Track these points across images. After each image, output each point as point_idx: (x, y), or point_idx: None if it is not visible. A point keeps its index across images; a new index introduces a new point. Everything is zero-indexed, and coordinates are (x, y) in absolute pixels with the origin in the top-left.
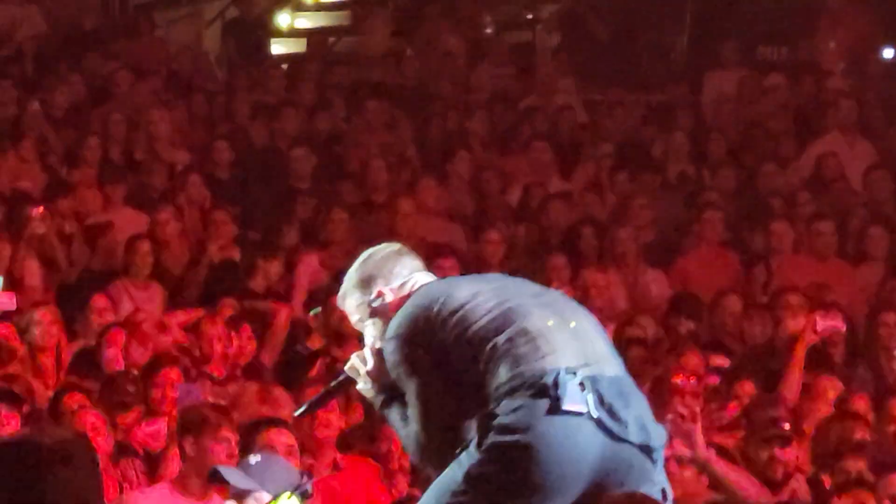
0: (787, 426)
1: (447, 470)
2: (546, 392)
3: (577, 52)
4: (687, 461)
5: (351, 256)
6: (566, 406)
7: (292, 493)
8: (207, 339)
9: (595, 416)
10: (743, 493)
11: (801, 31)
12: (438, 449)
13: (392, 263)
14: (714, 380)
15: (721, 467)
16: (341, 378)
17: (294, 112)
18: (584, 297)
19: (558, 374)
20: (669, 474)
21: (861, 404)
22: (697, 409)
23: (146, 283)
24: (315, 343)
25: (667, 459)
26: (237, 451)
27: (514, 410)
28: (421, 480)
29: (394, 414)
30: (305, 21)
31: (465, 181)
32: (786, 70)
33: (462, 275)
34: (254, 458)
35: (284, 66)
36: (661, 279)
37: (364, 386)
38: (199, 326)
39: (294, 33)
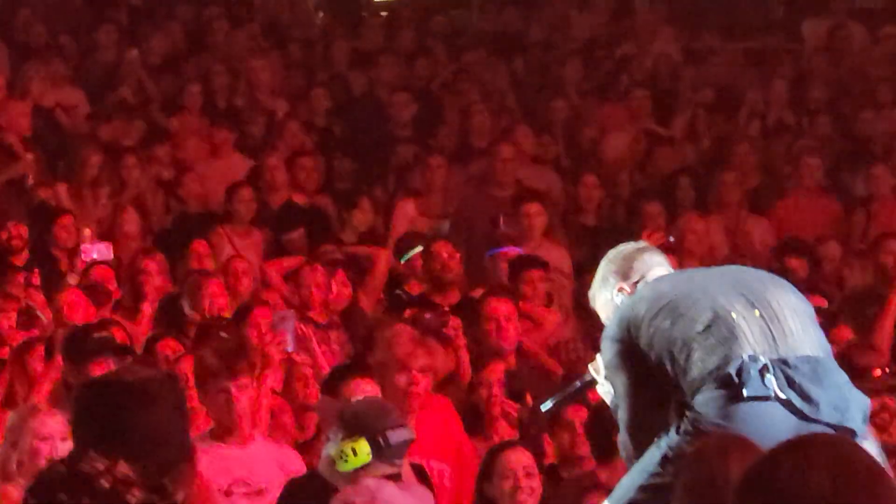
0: (878, 372)
1: (647, 452)
2: (730, 381)
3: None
4: None
5: (448, 203)
6: (750, 392)
7: (367, 438)
8: (307, 286)
9: (783, 398)
10: None
11: None
12: (642, 448)
13: (632, 260)
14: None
15: None
16: (586, 379)
17: (392, 60)
18: (680, 244)
19: (742, 362)
20: None
21: None
22: None
23: (247, 230)
24: (414, 288)
25: None
26: (240, 397)
27: (704, 403)
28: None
29: (619, 412)
30: None
31: (563, 129)
32: (879, 18)
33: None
34: (357, 399)
35: (383, 14)
36: (763, 225)
37: (602, 388)
38: (298, 274)
39: None
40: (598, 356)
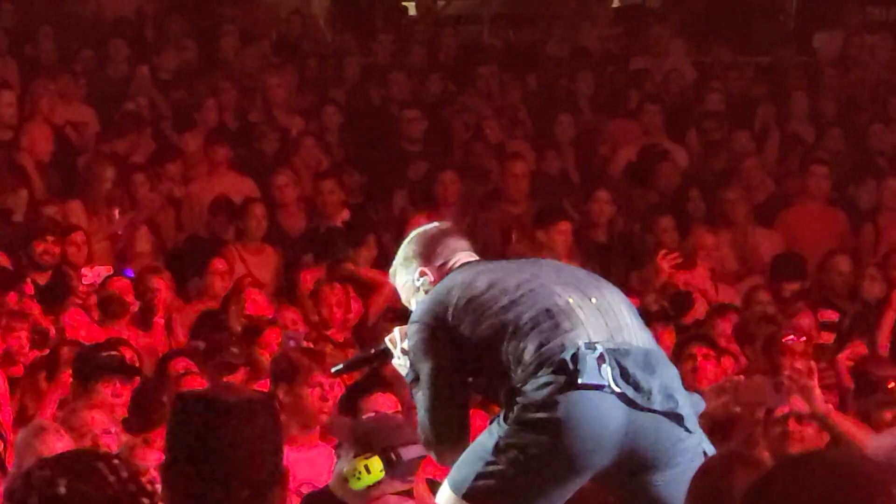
0: (892, 384)
1: (478, 438)
2: (565, 368)
3: (686, 13)
4: (807, 417)
5: (461, 219)
6: (584, 380)
7: (379, 456)
8: (328, 305)
9: (617, 390)
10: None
11: None
12: (443, 437)
13: (435, 243)
14: (824, 338)
15: (842, 421)
16: (381, 347)
17: (404, 75)
18: (692, 258)
19: (578, 349)
20: (790, 433)
21: None
22: (813, 365)
23: (259, 248)
24: None
25: (786, 417)
26: (332, 395)
27: (538, 388)
28: None
29: (419, 395)
30: None
31: (574, 144)
32: (894, 30)
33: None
34: (367, 416)
35: (395, 30)
36: (772, 238)
37: (398, 361)
38: (317, 292)
39: None
40: (396, 330)
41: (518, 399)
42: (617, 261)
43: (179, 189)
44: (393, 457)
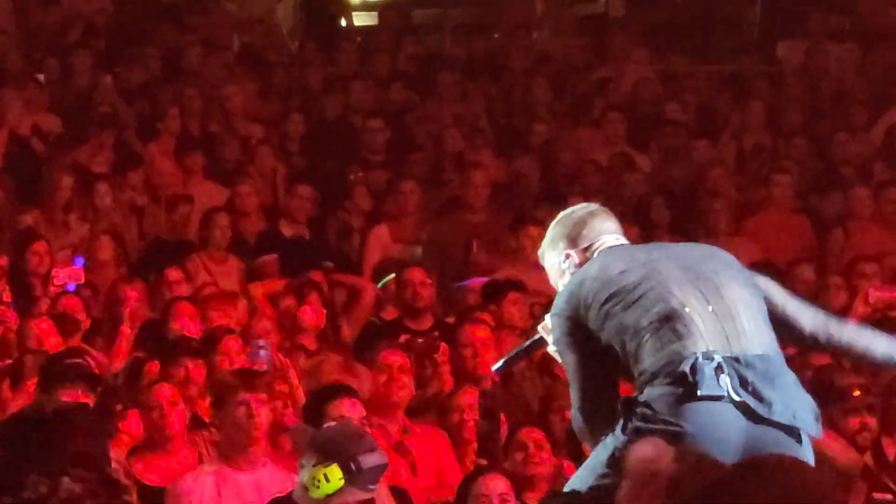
0: (856, 392)
1: (593, 452)
2: (684, 379)
3: (649, 22)
4: None
5: (421, 228)
6: (703, 391)
7: (339, 464)
8: (300, 312)
9: (737, 400)
10: (832, 454)
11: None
12: (594, 427)
13: (581, 225)
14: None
15: None
16: (535, 338)
17: (366, 85)
18: None
19: (696, 359)
20: None
21: None
22: None
23: (224, 257)
24: (389, 314)
25: None
26: (259, 411)
27: (655, 399)
28: (489, 449)
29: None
30: None
31: (538, 153)
32: (858, 39)
33: None
34: (327, 426)
35: (358, 39)
36: (749, 247)
37: (553, 348)
38: (285, 299)
39: (366, 6)
40: (548, 317)
41: (636, 409)
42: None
43: (141, 198)
44: (352, 465)
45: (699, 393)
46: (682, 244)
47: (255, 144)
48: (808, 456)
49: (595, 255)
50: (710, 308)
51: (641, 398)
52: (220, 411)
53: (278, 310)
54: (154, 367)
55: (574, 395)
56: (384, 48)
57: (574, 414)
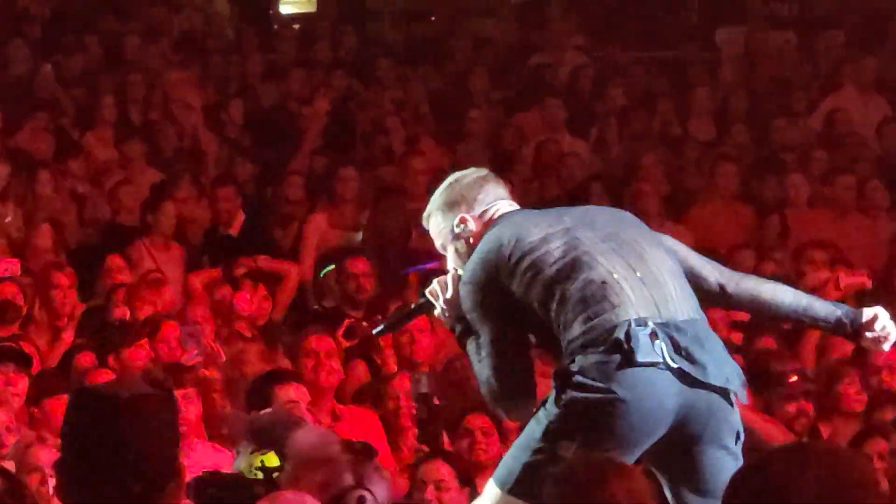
0: (793, 378)
1: (526, 428)
2: (619, 346)
3: (588, 8)
4: None
5: (360, 215)
6: (640, 359)
7: (276, 451)
8: (236, 300)
9: (673, 366)
10: (772, 441)
11: None
12: (510, 394)
13: (477, 190)
14: (735, 337)
15: (753, 418)
16: (421, 301)
17: (305, 71)
18: None
19: (629, 326)
20: None
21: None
22: None
23: (167, 244)
24: (330, 303)
25: None
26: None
27: (590, 367)
28: (429, 434)
29: (471, 345)
30: None
31: (478, 138)
32: (797, 26)
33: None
34: (265, 412)
35: (296, 27)
36: (683, 234)
37: (441, 312)
38: (222, 287)
39: None
40: (435, 282)
41: (569, 380)
42: None
43: (83, 185)
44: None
45: (637, 360)
46: (588, 208)
47: (195, 131)
48: (737, 420)
49: (499, 219)
50: (637, 275)
51: (574, 367)
52: None
53: (213, 298)
54: (88, 356)
55: (489, 363)
56: (323, 35)
57: (487, 381)
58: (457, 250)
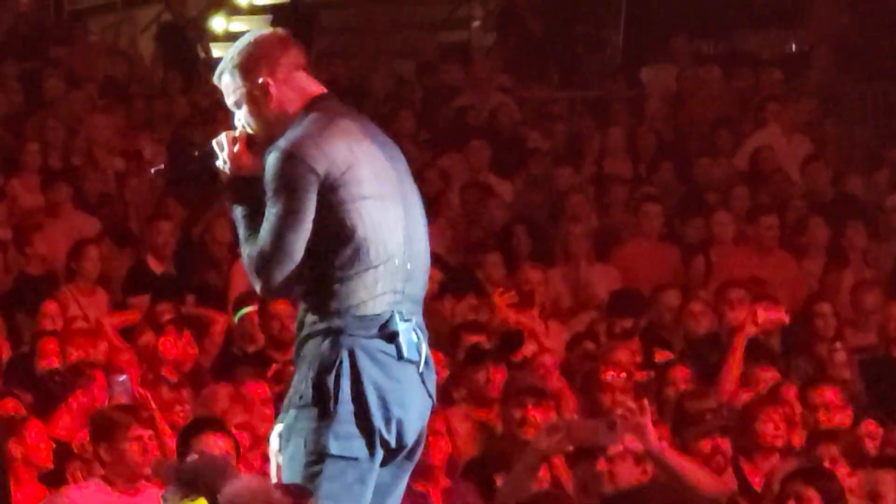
0: (707, 416)
1: (289, 448)
2: (393, 338)
3: (512, 49)
4: (642, 455)
5: None
6: (407, 356)
7: (205, 496)
8: (160, 345)
9: (420, 370)
10: (699, 484)
11: (738, 23)
12: (274, 275)
13: (279, 53)
14: (644, 375)
15: (676, 459)
16: (206, 149)
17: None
18: (529, 298)
19: (397, 320)
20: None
21: (789, 393)
22: (646, 403)
23: (92, 289)
24: (250, 347)
25: (623, 455)
26: (153, 446)
27: (366, 346)
28: None
29: (242, 211)
30: (240, 25)
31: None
32: (722, 63)
33: None
34: (190, 458)
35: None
36: (609, 273)
37: (221, 165)
38: (145, 333)
39: (229, 37)
40: (224, 134)
41: (351, 351)
42: (450, 297)
43: (4, 231)
44: (219, 498)
45: (404, 356)
46: (390, 148)
47: (123, 176)
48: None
49: (316, 106)
50: (408, 266)
51: (345, 338)
52: (107, 446)
53: (137, 344)
54: (11, 403)
55: (266, 238)
56: None
57: (253, 255)
58: (250, 112)
